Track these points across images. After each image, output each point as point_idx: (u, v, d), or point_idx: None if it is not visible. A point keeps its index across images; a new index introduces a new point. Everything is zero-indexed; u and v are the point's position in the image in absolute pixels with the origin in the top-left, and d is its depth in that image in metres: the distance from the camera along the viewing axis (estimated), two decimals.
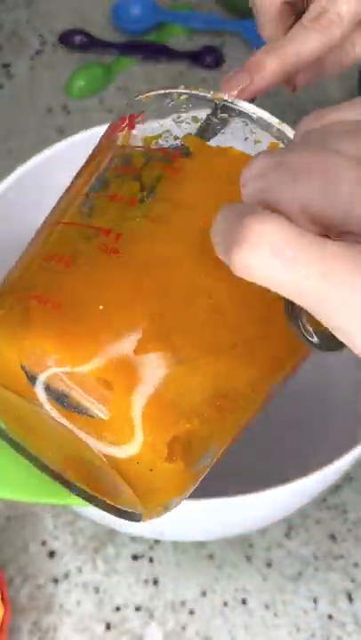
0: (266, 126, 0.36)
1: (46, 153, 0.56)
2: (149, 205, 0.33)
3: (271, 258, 0.25)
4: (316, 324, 0.27)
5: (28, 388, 0.32)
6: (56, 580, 0.53)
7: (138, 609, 0.52)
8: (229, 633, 0.51)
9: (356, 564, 0.54)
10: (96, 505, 0.37)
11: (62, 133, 0.76)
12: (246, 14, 0.84)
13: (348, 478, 0.57)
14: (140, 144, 0.36)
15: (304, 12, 0.40)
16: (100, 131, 0.56)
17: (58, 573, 0.54)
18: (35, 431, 0.37)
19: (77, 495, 0.38)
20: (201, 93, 0.36)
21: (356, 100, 0.30)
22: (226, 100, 0.36)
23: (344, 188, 0.26)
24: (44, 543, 0.55)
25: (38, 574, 0.53)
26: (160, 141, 0.35)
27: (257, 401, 0.35)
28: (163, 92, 0.37)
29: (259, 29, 0.42)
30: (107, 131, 0.39)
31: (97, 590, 0.53)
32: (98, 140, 0.40)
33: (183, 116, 0.36)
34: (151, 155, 0.35)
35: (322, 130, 0.29)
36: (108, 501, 0.37)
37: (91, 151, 0.39)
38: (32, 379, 0.32)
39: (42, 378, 0.31)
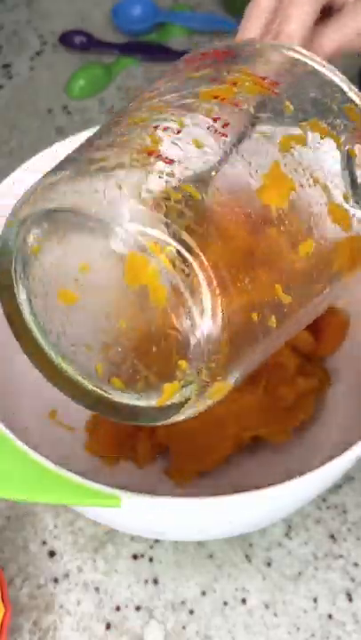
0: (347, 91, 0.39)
1: (46, 153, 0.56)
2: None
3: None
4: None
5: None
6: (56, 580, 0.53)
7: (138, 609, 0.52)
8: (229, 632, 0.51)
9: (356, 564, 0.54)
10: (121, 416, 0.38)
11: (62, 133, 0.76)
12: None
13: (348, 478, 0.57)
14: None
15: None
16: None
17: (58, 573, 0.54)
18: (90, 305, 0.37)
19: (97, 409, 0.38)
20: (285, 47, 0.40)
21: None
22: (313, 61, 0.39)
23: None
24: (44, 543, 0.55)
25: (38, 574, 0.54)
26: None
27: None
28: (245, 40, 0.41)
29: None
30: (183, 59, 0.41)
31: (97, 590, 0.53)
32: None
33: (273, 60, 0.39)
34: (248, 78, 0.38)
35: None
36: (136, 403, 0.37)
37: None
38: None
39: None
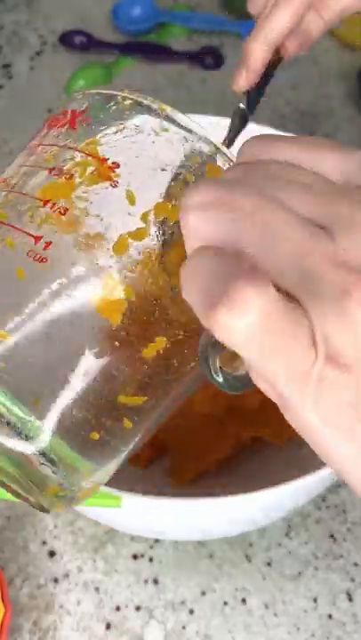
0: (205, 141, 0.35)
1: None
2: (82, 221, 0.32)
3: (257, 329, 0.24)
4: (225, 365, 0.28)
5: None
6: (56, 580, 0.53)
7: (138, 608, 0.52)
8: (229, 632, 0.51)
9: (356, 564, 0.54)
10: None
11: None
12: (246, 15, 0.84)
13: None
14: (78, 144, 0.34)
15: None
16: None
17: (58, 573, 0.54)
18: None
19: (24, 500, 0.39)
20: (146, 102, 0.35)
21: (312, 140, 0.27)
22: (168, 113, 0.35)
23: (284, 248, 0.24)
24: (44, 543, 0.55)
25: (38, 574, 0.54)
26: (98, 147, 0.34)
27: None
28: (107, 92, 0.36)
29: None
30: (48, 120, 0.37)
31: (97, 590, 0.53)
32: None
33: (126, 123, 0.35)
34: (88, 162, 0.34)
35: (266, 170, 0.26)
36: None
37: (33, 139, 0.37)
38: None
39: None
